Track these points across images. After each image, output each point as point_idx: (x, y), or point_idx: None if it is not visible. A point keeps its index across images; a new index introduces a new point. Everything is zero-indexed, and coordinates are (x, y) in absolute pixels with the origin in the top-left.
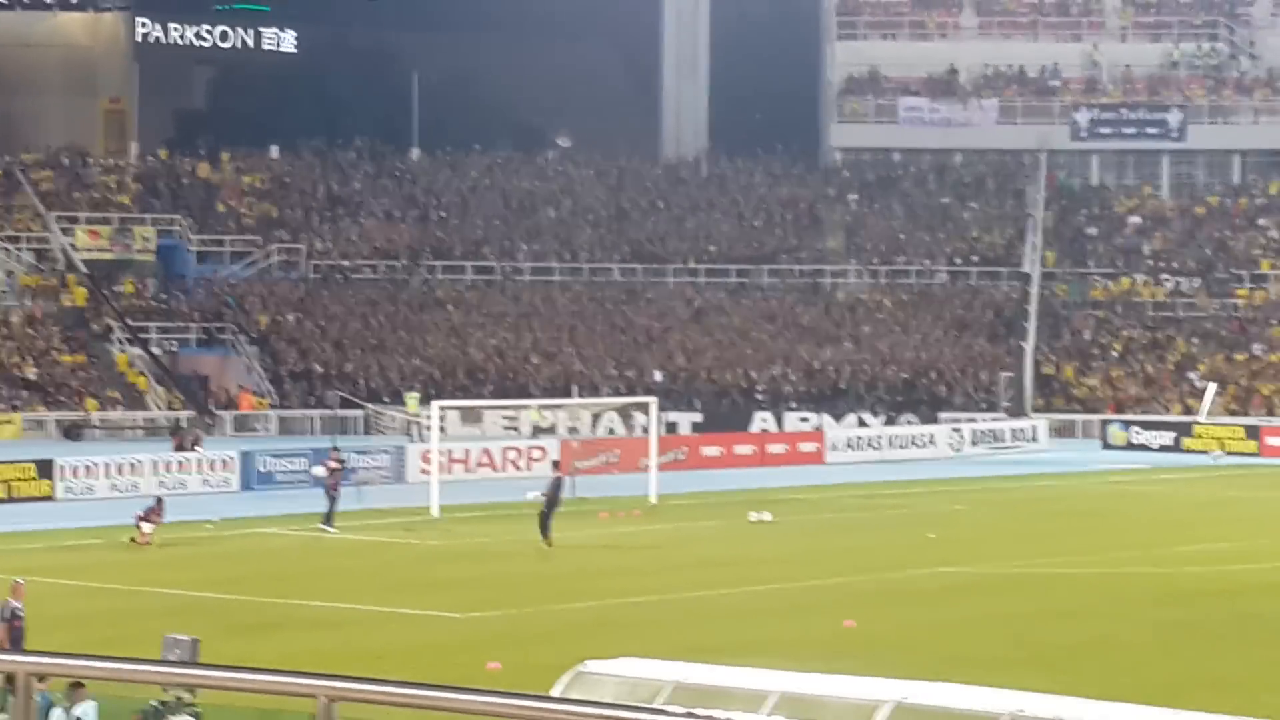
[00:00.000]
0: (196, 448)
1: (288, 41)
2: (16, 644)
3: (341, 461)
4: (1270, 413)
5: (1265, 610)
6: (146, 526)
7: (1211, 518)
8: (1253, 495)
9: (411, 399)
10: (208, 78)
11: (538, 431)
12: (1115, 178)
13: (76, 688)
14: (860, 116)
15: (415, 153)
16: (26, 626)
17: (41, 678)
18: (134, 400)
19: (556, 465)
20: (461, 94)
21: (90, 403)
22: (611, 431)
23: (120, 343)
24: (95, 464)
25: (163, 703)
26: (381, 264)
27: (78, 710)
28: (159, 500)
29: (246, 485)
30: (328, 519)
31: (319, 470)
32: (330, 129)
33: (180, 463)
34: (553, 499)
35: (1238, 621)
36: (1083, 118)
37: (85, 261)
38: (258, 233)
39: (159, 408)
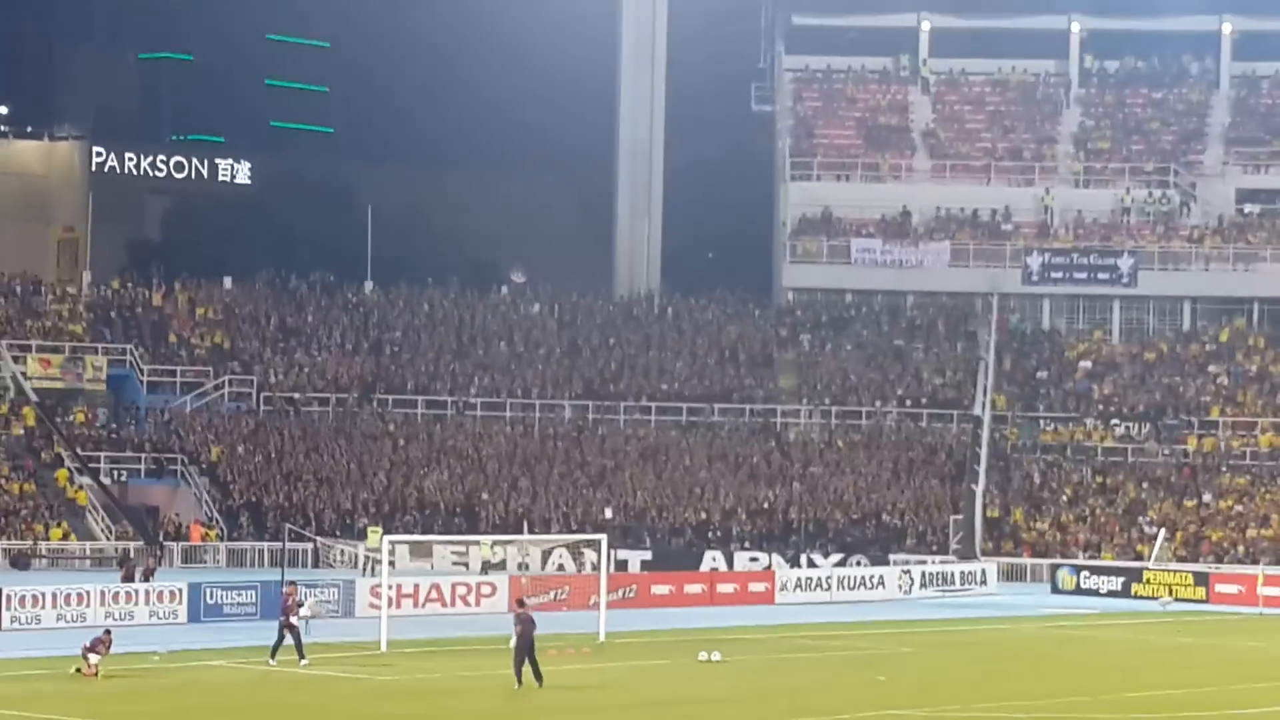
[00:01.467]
0: (150, 578)
1: (242, 173)
2: None
3: (293, 597)
4: (1219, 560)
5: None
6: (93, 657)
7: (1161, 664)
8: (1202, 642)
9: (374, 533)
10: (162, 207)
11: (488, 567)
12: (1067, 322)
13: None
14: (813, 257)
15: (368, 285)
16: None
17: None
18: (82, 530)
19: (521, 603)
20: (416, 228)
21: (38, 529)
22: (561, 568)
23: (70, 471)
24: (42, 594)
25: None
26: (333, 396)
27: None
28: (107, 631)
29: (194, 617)
30: (289, 650)
31: (304, 612)
32: (284, 260)
33: (128, 593)
34: (526, 638)
35: None
36: (1034, 261)
37: (36, 390)
38: (209, 363)
39: (107, 537)
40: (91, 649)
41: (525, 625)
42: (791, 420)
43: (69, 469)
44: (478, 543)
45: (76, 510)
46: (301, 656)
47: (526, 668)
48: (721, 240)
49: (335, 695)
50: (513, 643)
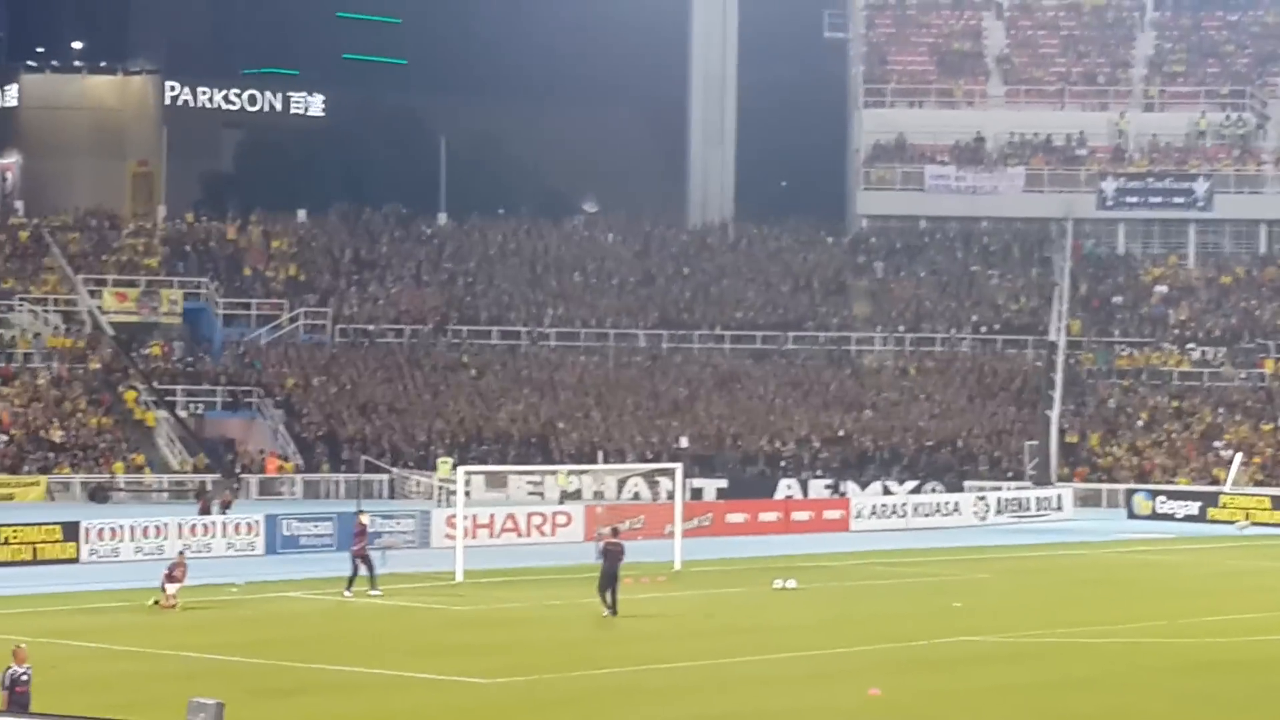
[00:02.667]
0: (227, 510)
1: (316, 105)
2: (23, 709)
3: (364, 526)
4: None
5: None
6: (171, 587)
7: (1236, 588)
8: (1277, 566)
9: (444, 464)
10: (236, 141)
11: (565, 497)
12: (1141, 247)
13: None
14: (887, 184)
15: (442, 217)
16: (32, 691)
17: None
18: (159, 463)
19: (615, 532)
20: (488, 159)
21: (117, 465)
22: (637, 497)
23: (147, 405)
24: (121, 526)
25: None
26: (407, 328)
27: None
28: (181, 553)
29: (271, 549)
30: (368, 582)
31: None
32: (357, 193)
33: (205, 526)
34: (612, 569)
35: (1262, 694)
36: (1109, 186)
37: (112, 324)
38: (284, 296)
39: (184, 470)
40: (170, 576)
41: (611, 556)
42: (865, 348)
43: (145, 401)
44: (553, 473)
45: (153, 443)
46: (373, 587)
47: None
48: (795, 168)
49: (411, 625)
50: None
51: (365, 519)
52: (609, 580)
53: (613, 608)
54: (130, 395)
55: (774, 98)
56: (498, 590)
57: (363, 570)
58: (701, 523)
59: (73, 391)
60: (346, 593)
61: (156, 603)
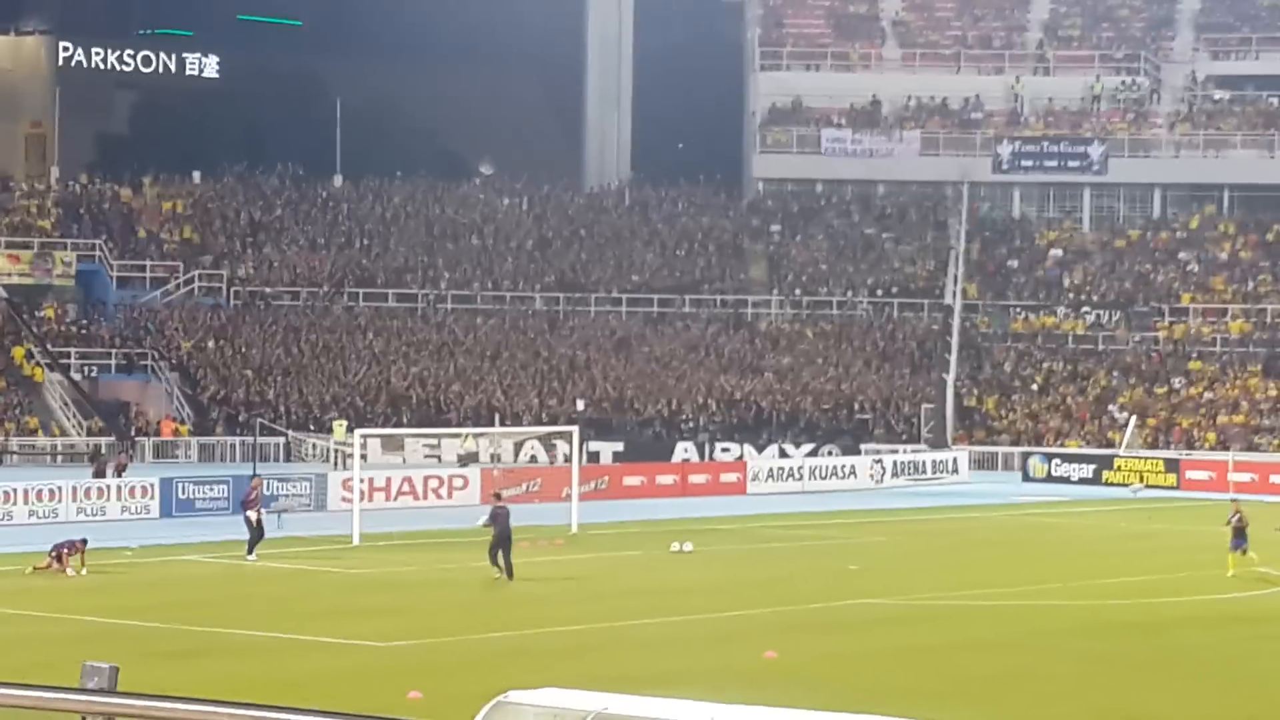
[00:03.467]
0: (121, 473)
1: (210, 67)
2: None
3: (257, 489)
4: (1190, 446)
5: (1186, 644)
6: (69, 568)
7: (1132, 550)
8: (1172, 529)
9: (339, 426)
10: (130, 102)
11: (467, 459)
12: (1037, 210)
13: None
14: (783, 147)
15: (338, 179)
16: None
17: None
18: (52, 426)
19: (499, 496)
20: (384, 121)
21: (8, 426)
22: (534, 460)
23: (40, 367)
24: (14, 490)
25: None
26: (304, 291)
27: None
28: (83, 540)
29: (166, 512)
30: (250, 547)
31: (253, 513)
32: (253, 155)
33: (100, 489)
34: (505, 531)
35: (1159, 655)
36: (1005, 150)
37: (5, 286)
38: (179, 258)
39: (78, 433)
40: (59, 556)
41: (501, 519)
42: (762, 311)
43: (39, 363)
44: (454, 435)
45: (47, 406)
46: (249, 551)
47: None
48: (691, 131)
49: (307, 588)
50: (482, 524)
51: (259, 484)
52: (501, 542)
53: (508, 570)
54: (20, 353)
55: (670, 60)
56: (394, 553)
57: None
58: (598, 486)
59: None
60: (248, 557)
61: (35, 568)
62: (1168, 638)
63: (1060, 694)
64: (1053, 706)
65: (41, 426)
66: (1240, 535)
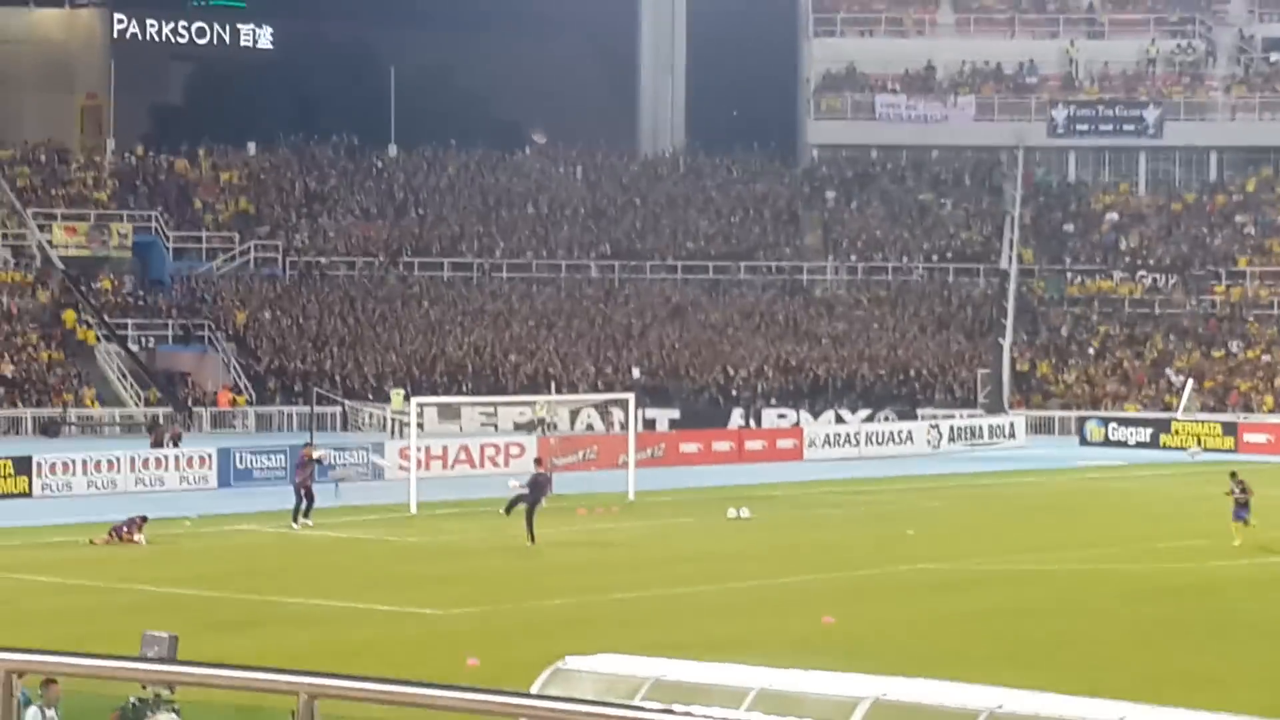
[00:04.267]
0: (177, 444)
1: (264, 38)
2: None
3: (312, 458)
4: (1247, 409)
5: (1241, 606)
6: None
7: (1188, 514)
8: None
9: (396, 395)
10: (184, 74)
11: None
12: (1092, 174)
13: (50, 684)
14: (837, 113)
15: (392, 149)
16: None
17: (21, 674)
18: (110, 397)
19: (539, 462)
20: (438, 90)
21: (67, 396)
22: (590, 428)
23: (98, 339)
24: (73, 461)
25: (141, 699)
26: (359, 261)
27: (51, 711)
28: (143, 518)
29: (224, 482)
30: (301, 514)
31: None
32: (307, 125)
33: (158, 460)
34: (536, 496)
35: (1214, 618)
36: (1060, 114)
37: (62, 258)
38: (235, 229)
39: (136, 404)
40: (121, 533)
41: (540, 485)
42: (818, 277)
43: (97, 335)
44: (508, 403)
45: (104, 377)
46: (305, 516)
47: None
48: (746, 98)
49: (363, 556)
50: (514, 490)
51: (313, 452)
52: (532, 507)
53: (529, 534)
54: (71, 317)
55: (724, 26)
56: (451, 521)
57: (303, 502)
58: (655, 453)
59: (23, 326)
60: (293, 525)
61: (91, 541)
62: (1222, 600)
63: (1116, 657)
64: (1108, 670)
65: (100, 397)
66: (1243, 506)
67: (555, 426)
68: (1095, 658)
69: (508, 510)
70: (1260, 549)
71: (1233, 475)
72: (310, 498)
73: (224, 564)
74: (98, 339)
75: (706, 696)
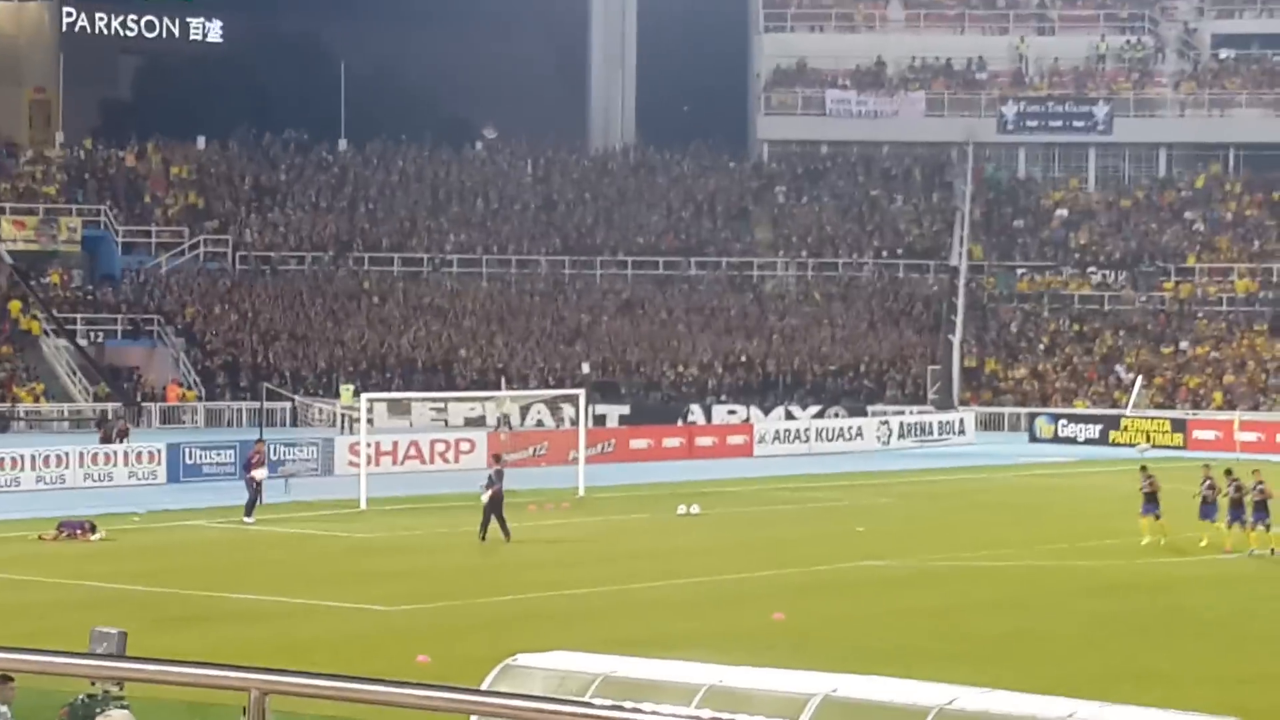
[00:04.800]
0: (123, 439)
1: (214, 31)
2: None
3: (260, 454)
4: (1196, 406)
5: (1191, 604)
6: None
7: (1138, 511)
8: (1179, 489)
9: (346, 391)
10: (134, 67)
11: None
12: (1042, 170)
13: (5, 681)
14: (788, 108)
15: (343, 144)
16: None
17: None
18: (59, 392)
19: (498, 459)
20: (389, 85)
21: (21, 393)
22: (540, 424)
23: (47, 334)
24: (21, 456)
25: (90, 696)
26: (309, 255)
27: (5, 708)
28: (92, 526)
29: (173, 478)
30: (249, 510)
31: (259, 473)
32: (257, 120)
33: (107, 454)
34: (499, 493)
35: (1164, 614)
36: (1009, 110)
37: (11, 252)
38: (184, 223)
39: (85, 399)
40: (69, 534)
41: (499, 482)
42: (768, 273)
43: (45, 330)
44: (458, 399)
45: (53, 372)
46: (248, 514)
47: (493, 523)
48: (696, 93)
49: (314, 552)
50: (485, 498)
51: (262, 448)
52: (494, 505)
53: (505, 532)
54: (16, 307)
55: (674, 22)
56: (401, 517)
57: (250, 496)
58: (605, 449)
59: None
60: (246, 519)
61: (40, 537)
62: (1172, 597)
63: (1066, 654)
64: (1059, 666)
65: (48, 392)
66: (1152, 501)
67: (511, 423)
68: (1045, 654)
69: (484, 526)
70: (1175, 547)
71: (1143, 469)
72: (251, 490)
73: (173, 559)
74: (45, 333)
75: (657, 693)
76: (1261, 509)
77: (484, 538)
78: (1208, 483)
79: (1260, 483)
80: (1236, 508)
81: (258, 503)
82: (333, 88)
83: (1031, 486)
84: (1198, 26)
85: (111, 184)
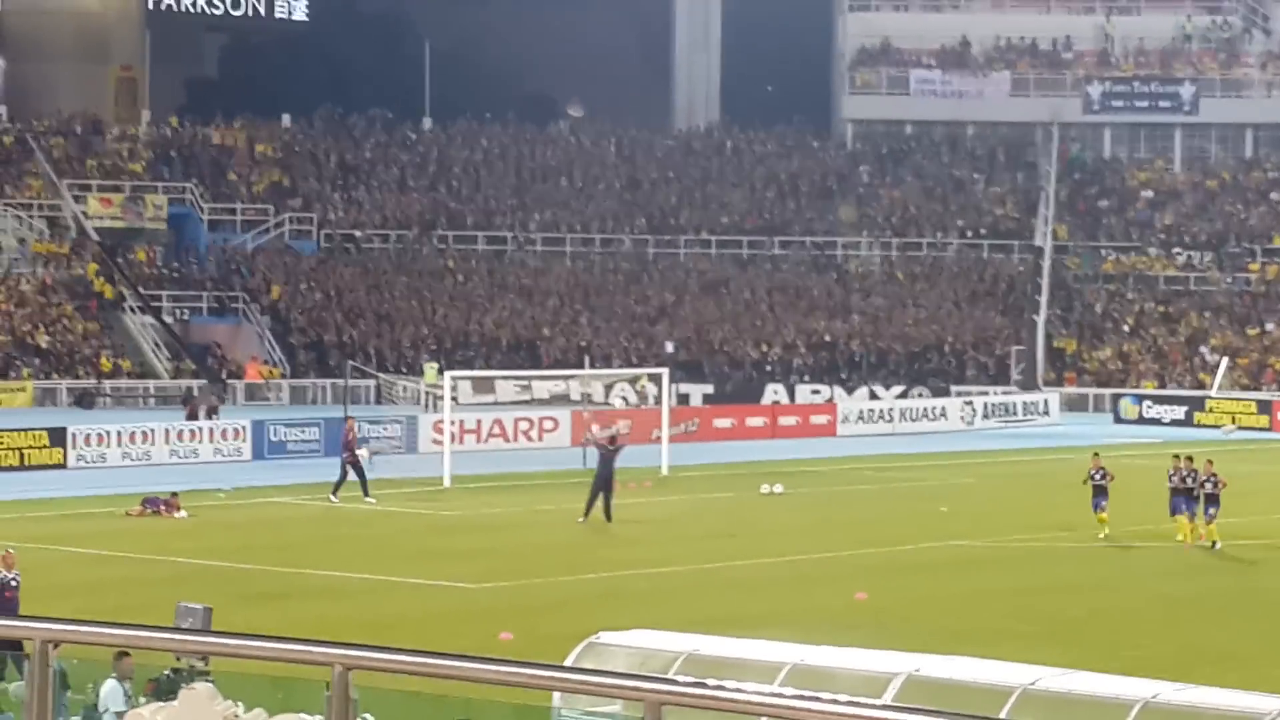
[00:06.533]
0: (213, 416)
1: (299, 10)
2: (11, 614)
3: (353, 432)
4: None
5: (1271, 585)
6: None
7: (1224, 492)
8: (1264, 470)
9: (430, 369)
10: (219, 45)
11: (643, 398)
12: (1127, 151)
13: (123, 657)
14: (872, 88)
15: (427, 122)
16: (21, 596)
17: (56, 644)
18: (146, 368)
19: (613, 440)
20: (473, 63)
21: (104, 367)
22: (624, 402)
23: (133, 310)
24: (108, 432)
25: (176, 670)
26: (393, 234)
27: (128, 683)
28: (174, 495)
29: (258, 455)
30: (338, 488)
31: (363, 453)
32: (342, 98)
33: (192, 432)
34: (604, 473)
35: (1246, 596)
36: (1095, 90)
37: (97, 229)
38: (269, 201)
39: (171, 376)
40: (156, 510)
41: (607, 462)
42: (852, 253)
43: (131, 307)
44: (542, 377)
45: (139, 348)
46: (366, 493)
47: (598, 503)
48: (780, 73)
49: (398, 530)
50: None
51: (353, 425)
52: (602, 485)
53: (596, 512)
54: (114, 297)
55: (759, 1)
56: (484, 495)
57: (352, 476)
58: (688, 428)
59: (58, 297)
60: (333, 497)
61: (127, 513)
62: (1253, 579)
63: (1147, 635)
64: (1140, 647)
65: (135, 369)
66: (1101, 493)
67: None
68: (1126, 635)
69: (590, 503)
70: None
71: (1095, 456)
72: (347, 473)
73: (258, 536)
74: (131, 310)
75: (739, 672)
76: (1213, 500)
77: (586, 516)
78: (1099, 472)
79: (1213, 474)
80: (1185, 496)
81: (364, 478)
82: (417, 66)
83: (1115, 467)
84: None
85: (197, 162)
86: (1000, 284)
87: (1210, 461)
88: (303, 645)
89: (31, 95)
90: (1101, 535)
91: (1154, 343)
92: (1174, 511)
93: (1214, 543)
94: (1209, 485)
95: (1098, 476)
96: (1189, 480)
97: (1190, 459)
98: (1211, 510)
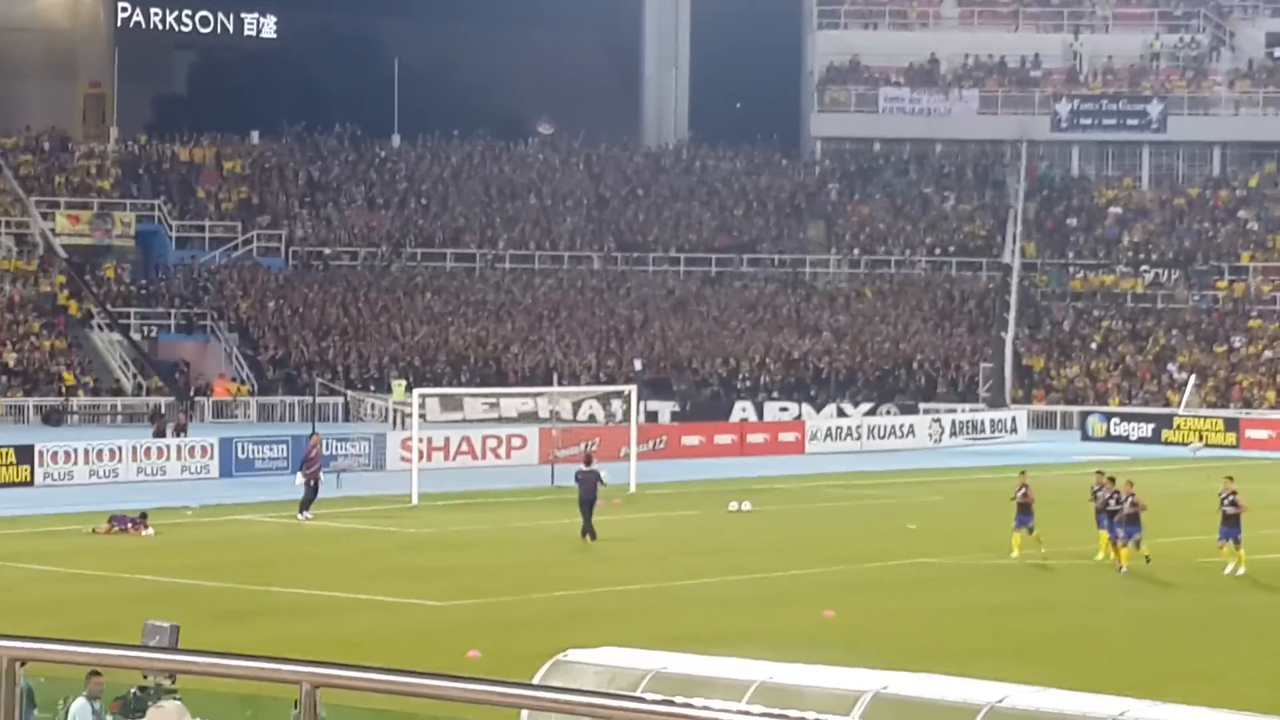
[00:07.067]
0: (181, 434)
1: (268, 27)
2: None
3: (317, 449)
4: (1249, 405)
5: (1243, 603)
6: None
7: (1190, 510)
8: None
9: (398, 386)
10: (188, 62)
11: (610, 417)
12: (1096, 169)
13: (93, 676)
14: (841, 106)
15: (396, 139)
16: None
17: (23, 662)
18: (113, 386)
19: (589, 460)
20: (442, 81)
21: (68, 377)
22: (592, 420)
23: (100, 328)
24: (75, 450)
25: (143, 688)
26: (362, 251)
27: (97, 703)
28: (143, 515)
29: (226, 472)
30: (304, 506)
31: (298, 479)
32: (311, 115)
33: (160, 449)
34: (587, 495)
35: (1216, 614)
36: (1063, 108)
37: (65, 246)
38: (238, 218)
39: (138, 393)
40: (124, 528)
41: (588, 484)
42: (820, 270)
43: (99, 324)
44: (510, 395)
45: (107, 366)
46: (303, 510)
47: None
48: (749, 90)
49: (366, 548)
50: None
51: (318, 441)
52: (583, 505)
53: (589, 532)
54: (81, 315)
55: (728, 19)
56: (452, 513)
57: (306, 492)
58: (657, 445)
59: (26, 314)
60: (301, 515)
61: (94, 530)
62: (1224, 597)
63: (1117, 653)
64: (1110, 666)
65: (102, 386)
66: (1026, 511)
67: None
68: (1096, 653)
69: (585, 531)
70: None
71: (1022, 473)
72: (315, 490)
73: (225, 554)
74: (98, 327)
75: (708, 689)
76: (1133, 521)
77: (588, 536)
78: (1023, 490)
79: (1132, 494)
80: (1108, 515)
81: (313, 499)
82: (386, 83)
83: (1083, 485)
84: (1252, 25)
85: (165, 179)
86: (968, 301)
87: (1130, 482)
88: (270, 663)
89: None
90: (1013, 555)
91: (1122, 360)
92: (1101, 526)
93: (1147, 558)
94: (1127, 505)
95: (1020, 494)
96: (1112, 502)
97: (1112, 479)
98: (1132, 530)
